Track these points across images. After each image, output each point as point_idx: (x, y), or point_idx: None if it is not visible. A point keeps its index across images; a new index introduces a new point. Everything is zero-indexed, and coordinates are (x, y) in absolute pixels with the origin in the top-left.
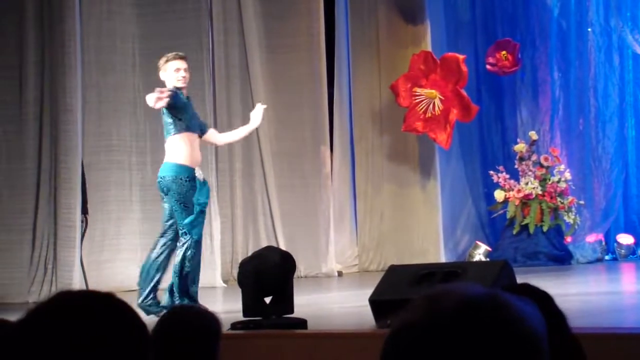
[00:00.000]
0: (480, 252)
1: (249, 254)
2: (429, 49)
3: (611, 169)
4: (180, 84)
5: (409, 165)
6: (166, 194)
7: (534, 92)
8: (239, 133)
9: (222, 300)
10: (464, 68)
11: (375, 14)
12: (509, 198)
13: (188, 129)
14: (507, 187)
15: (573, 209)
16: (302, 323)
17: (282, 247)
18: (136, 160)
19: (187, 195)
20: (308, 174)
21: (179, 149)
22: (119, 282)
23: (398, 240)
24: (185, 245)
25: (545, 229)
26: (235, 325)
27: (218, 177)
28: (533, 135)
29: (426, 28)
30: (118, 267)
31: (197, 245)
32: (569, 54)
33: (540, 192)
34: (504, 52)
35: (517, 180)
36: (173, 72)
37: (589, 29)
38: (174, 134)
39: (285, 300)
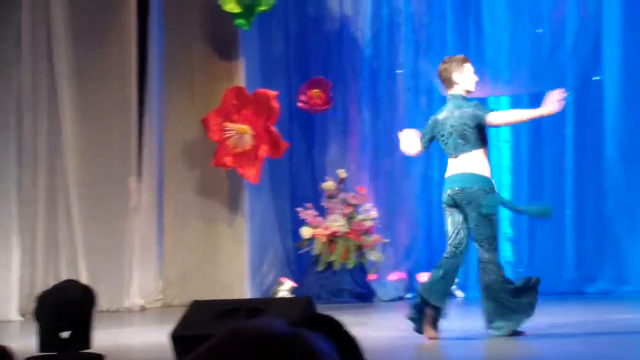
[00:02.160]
0: (285, 289)
1: (50, 287)
2: (243, 84)
3: (415, 208)
4: None
5: (218, 200)
6: None
7: (344, 131)
8: (522, 114)
9: (18, 334)
10: (276, 104)
11: (189, 46)
12: (315, 235)
13: None
14: (314, 224)
15: (378, 247)
16: (99, 358)
17: (84, 280)
18: None
19: None
20: (114, 206)
21: None
22: None
23: (204, 275)
24: None
25: (350, 266)
26: None
27: (19, 208)
28: (342, 173)
29: (240, 63)
30: None
31: None
32: (379, 95)
33: (346, 230)
34: (316, 90)
35: (325, 217)
36: None
37: (399, 71)
38: None
39: (84, 335)
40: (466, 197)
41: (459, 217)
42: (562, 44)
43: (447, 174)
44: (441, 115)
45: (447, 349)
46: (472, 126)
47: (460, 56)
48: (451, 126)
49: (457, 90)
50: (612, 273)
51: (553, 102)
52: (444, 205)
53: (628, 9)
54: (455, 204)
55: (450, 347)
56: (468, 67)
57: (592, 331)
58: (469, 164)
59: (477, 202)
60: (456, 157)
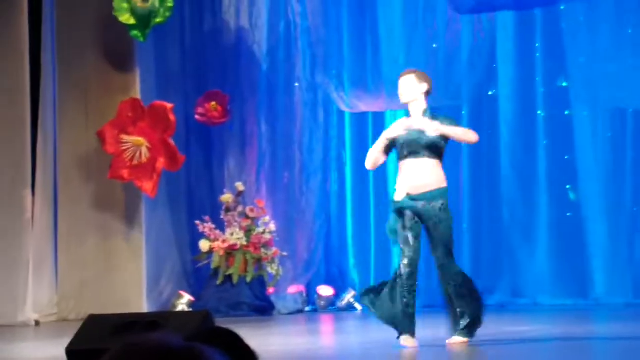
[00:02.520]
0: (184, 302)
1: None
2: (139, 96)
3: (314, 222)
4: None
5: (114, 213)
6: None
7: (241, 144)
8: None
9: None
10: (172, 117)
11: (84, 58)
12: (214, 248)
13: None
14: (212, 237)
15: (276, 260)
16: None
17: None
18: None
19: None
20: (7, 219)
21: None
22: None
23: (100, 289)
24: None
25: (248, 279)
26: None
27: None
28: (240, 186)
29: (135, 75)
30: None
31: None
32: (276, 108)
33: (245, 243)
34: (213, 103)
35: (223, 230)
36: None
37: (296, 84)
38: None
39: None
40: None
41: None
42: (457, 59)
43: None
44: None
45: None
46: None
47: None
48: None
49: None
50: (508, 286)
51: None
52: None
53: (521, 24)
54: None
55: (346, 358)
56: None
57: (485, 343)
58: None
59: None
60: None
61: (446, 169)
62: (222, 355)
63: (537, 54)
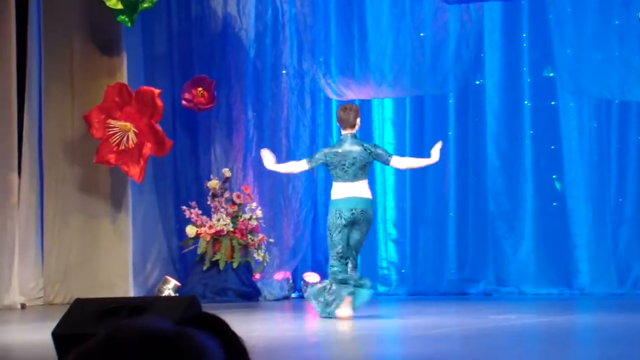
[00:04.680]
0: (170, 287)
1: None
2: (125, 81)
3: (300, 208)
4: None
5: (100, 198)
6: None
7: (228, 130)
8: (418, 162)
9: None
10: (159, 102)
11: (70, 41)
12: (200, 234)
13: None
14: (199, 222)
15: (263, 246)
16: None
17: None
18: None
19: None
20: None
21: None
22: None
23: (86, 273)
24: None
25: (235, 265)
26: None
27: None
28: (226, 172)
29: (122, 60)
30: None
31: None
32: (263, 95)
33: (231, 229)
34: (200, 89)
35: (209, 216)
36: None
37: (283, 71)
38: None
39: None
40: (365, 217)
41: (346, 233)
42: (444, 48)
43: (344, 195)
44: (341, 149)
45: (327, 347)
46: (371, 161)
47: (357, 106)
48: (354, 158)
49: (354, 130)
50: (493, 275)
51: (437, 153)
52: (344, 222)
53: (508, 15)
54: (352, 222)
55: (340, 344)
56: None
57: (470, 331)
58: (365, 190)
59: (369, 221)
60: (353, 182)
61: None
62: (212, 340)
63: (524, 44)
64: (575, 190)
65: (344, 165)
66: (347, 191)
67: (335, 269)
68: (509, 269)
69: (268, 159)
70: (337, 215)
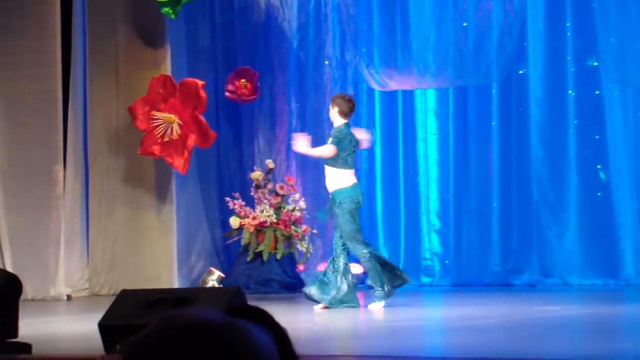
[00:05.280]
0: (214, 279)
1: None
2: (169, 73)
3: None
4: None
5: (145, 189)
6: None
7: (271, 121)
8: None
9: None
10: (203, 94)
11: (114, 34)
12: (244, 225)
13: None
14: (242, 214)
15: (306, 237)
16: (26, 347)
17: (9, 268)
18: None
19: None
20: (39, 194)
21: None
22: None
23: (131, 265)
24: None
25: (278, 256)
26: None
27: None
28: (270, 163)
29: (166, 52)
30: None
31: None
32: (306, 85)
33: (275, 220)
34: (243, 80)
35: (253, 207)
36: None
37: (326, 62)
38: None
39: (10, 324)
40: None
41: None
42: (487, 38)
43: (354, 181)
44: (355, 137)
45: (371, 338)
46: None
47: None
48: (354, 145)
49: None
50: (537, 265)
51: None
52: (359, 207)
53: (551, 3)
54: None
55: (384, 336)
56: None
57: (514, 323)
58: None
59: None
60: (353, 169)
61: (477, 149)
62: (262, 331)
63: (568, 33)
64: (620, 180)
65: (354, 152)
66: (354, 178)
67: (370, 249)
68: (553, 259)
69: (301, 142)
70: (356, 201)
